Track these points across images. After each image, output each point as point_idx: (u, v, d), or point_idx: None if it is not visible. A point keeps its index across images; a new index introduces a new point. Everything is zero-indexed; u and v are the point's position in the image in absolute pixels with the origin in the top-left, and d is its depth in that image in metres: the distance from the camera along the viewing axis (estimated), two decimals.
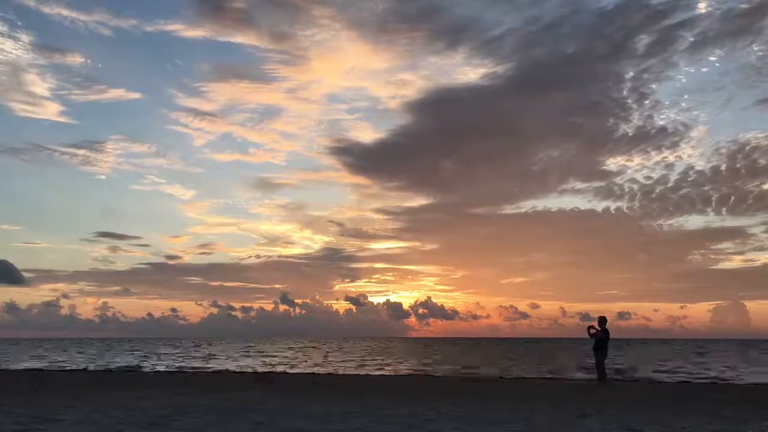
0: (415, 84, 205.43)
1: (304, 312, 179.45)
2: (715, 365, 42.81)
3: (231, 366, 40.29)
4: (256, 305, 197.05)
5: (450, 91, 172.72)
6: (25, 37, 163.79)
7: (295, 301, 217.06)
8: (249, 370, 36.29)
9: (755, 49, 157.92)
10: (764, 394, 21.25)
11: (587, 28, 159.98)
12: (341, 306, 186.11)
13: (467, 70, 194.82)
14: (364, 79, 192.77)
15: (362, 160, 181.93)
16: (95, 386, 22.47)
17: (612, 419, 13.22)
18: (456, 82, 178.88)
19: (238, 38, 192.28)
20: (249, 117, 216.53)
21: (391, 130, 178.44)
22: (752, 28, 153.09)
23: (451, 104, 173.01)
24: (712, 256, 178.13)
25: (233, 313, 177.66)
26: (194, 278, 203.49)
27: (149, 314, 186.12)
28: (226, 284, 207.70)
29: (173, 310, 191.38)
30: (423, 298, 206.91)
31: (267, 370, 36.05)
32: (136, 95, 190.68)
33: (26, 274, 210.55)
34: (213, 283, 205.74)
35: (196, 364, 41.98)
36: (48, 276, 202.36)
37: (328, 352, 69.60)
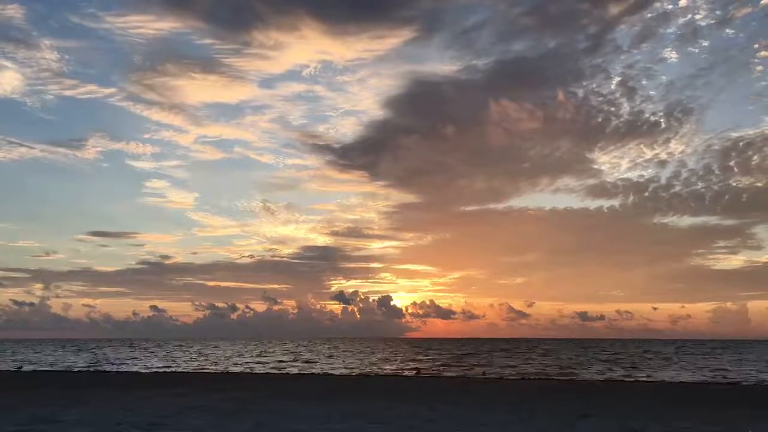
0: (396, 78, 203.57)
1: (299, 312, 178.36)
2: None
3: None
4: (250, 306, 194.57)
5: (433, 85, 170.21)
6: None
7: (291, 301, 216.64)
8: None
9: (735, 31, 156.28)
10: (763, 394, 21.30)
11: (568, 19, 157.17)
12: (336, 306, 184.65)
13: (446, 63, 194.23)
14: (338, 72, 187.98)
15: (348, 158, 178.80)
16: (95, 387, 22.44)
17: (612, 419, 13.23)
18: (437, 75, 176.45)
19: (205, 32, 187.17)
20: (222, 112, 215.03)
21: (373, 126, 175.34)
22: (735, 18, 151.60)
23: (434, 99, 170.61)
24: (709, 256, 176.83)
25: (228, 313, 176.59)
26: (188, 278, 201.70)
27: (143, 315, 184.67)
28: (221, 284, 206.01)
29: (161, 310, 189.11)
30: (419, 299, 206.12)
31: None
32: (109, 90, 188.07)
33: (19, 274, 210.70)
34: (208, 284, 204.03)
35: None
36: (41, 276, 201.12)
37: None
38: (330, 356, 54.66)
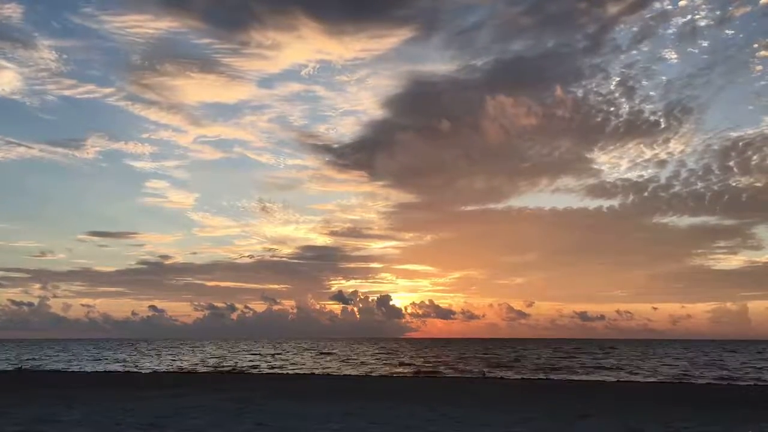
0: (395, 77, 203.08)
1: (298, 312, 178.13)
2: None
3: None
4: (249, 306, 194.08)
5: (432, 85, 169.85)
6: None
7: (290, 301, 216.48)
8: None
9: (734, 30, 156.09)
10: (763, 394, 21.29)
11: (567, 19, 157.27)
12: (336, 306, 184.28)
13: (445, 63, 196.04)
14: (337, 72, 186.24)
15: (347, 158, 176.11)
16: (95, 387, 22.42)
17: (612, 419, 13.23)
18: (435, 74, 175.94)
19: (203, 31, 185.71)
20: (221, 112, 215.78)
21: (372, 126, 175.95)
22: (734, 18, 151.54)
23: (433, 98, 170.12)
24: (709, 256, 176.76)
25: (227, 313, 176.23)
26: (187, 278, 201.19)
27: (142, 315, 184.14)
28: (221, 284, 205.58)
29: (161, 310, 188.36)
30: (419, 299, 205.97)
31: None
32: (108, 90, 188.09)
33: (19, 274, 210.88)
34: (208, 284, 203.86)
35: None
36: (41, 276, 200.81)
37: None
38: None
